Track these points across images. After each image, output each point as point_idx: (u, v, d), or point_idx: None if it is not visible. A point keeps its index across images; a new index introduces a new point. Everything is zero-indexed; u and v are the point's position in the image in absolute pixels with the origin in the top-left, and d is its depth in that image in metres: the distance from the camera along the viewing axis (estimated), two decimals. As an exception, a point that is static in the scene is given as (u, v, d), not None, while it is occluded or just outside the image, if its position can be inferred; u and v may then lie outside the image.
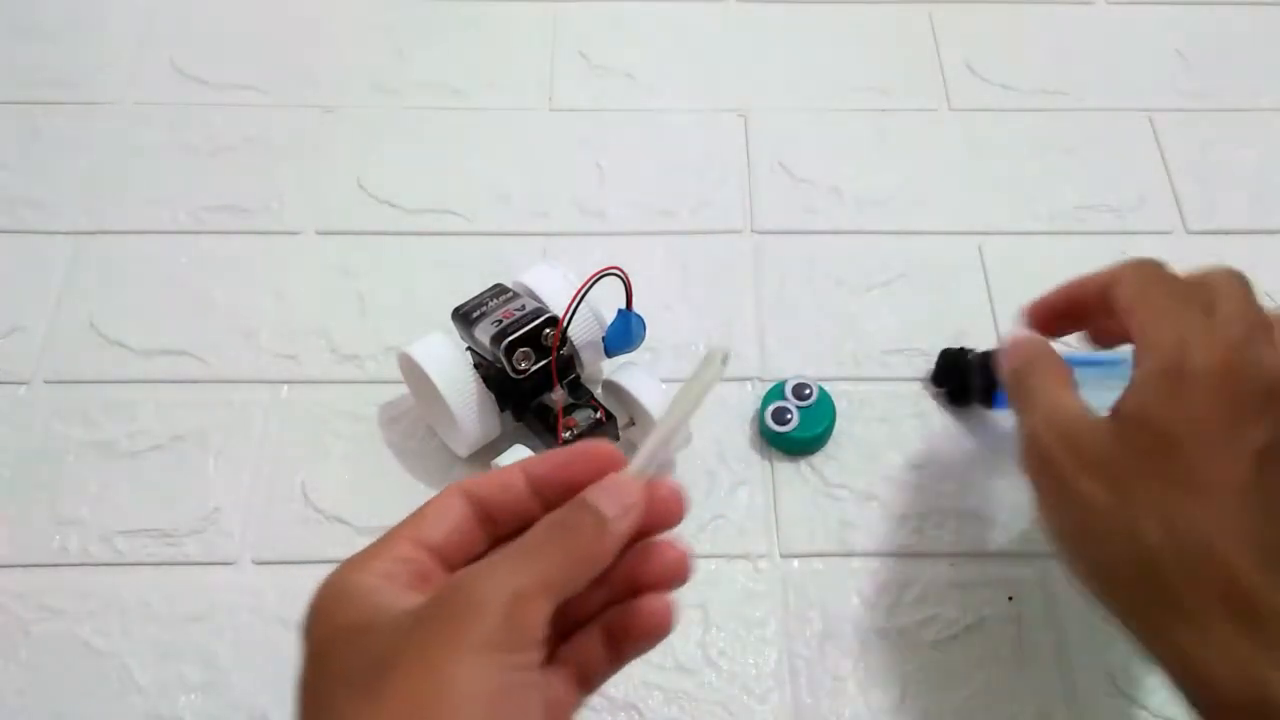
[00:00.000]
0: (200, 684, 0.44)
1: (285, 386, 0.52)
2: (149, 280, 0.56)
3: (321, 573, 0.28)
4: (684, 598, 0.46)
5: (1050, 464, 0.35)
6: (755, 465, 0.50)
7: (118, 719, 0.43)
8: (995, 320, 0.55)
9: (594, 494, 0.29)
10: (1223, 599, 0.30)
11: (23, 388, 0.52)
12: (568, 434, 0.45)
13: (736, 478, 0.50)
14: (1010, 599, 0.47)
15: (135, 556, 0.47)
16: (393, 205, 0.59)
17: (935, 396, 0.52)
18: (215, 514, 0.49)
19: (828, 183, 0.60)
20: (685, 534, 0.48)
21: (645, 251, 0.57)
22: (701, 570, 0.47)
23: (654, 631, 0.31)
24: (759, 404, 0.51)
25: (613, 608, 0.31)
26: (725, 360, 0.31)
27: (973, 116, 0.64)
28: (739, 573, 0.47)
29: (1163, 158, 0.62)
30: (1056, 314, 0.42)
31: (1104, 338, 0.42)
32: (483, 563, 0.27)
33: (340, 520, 0.48)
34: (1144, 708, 0.44)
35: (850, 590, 0.47)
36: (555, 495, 0.30)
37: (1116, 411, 0.34)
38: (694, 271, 0.57)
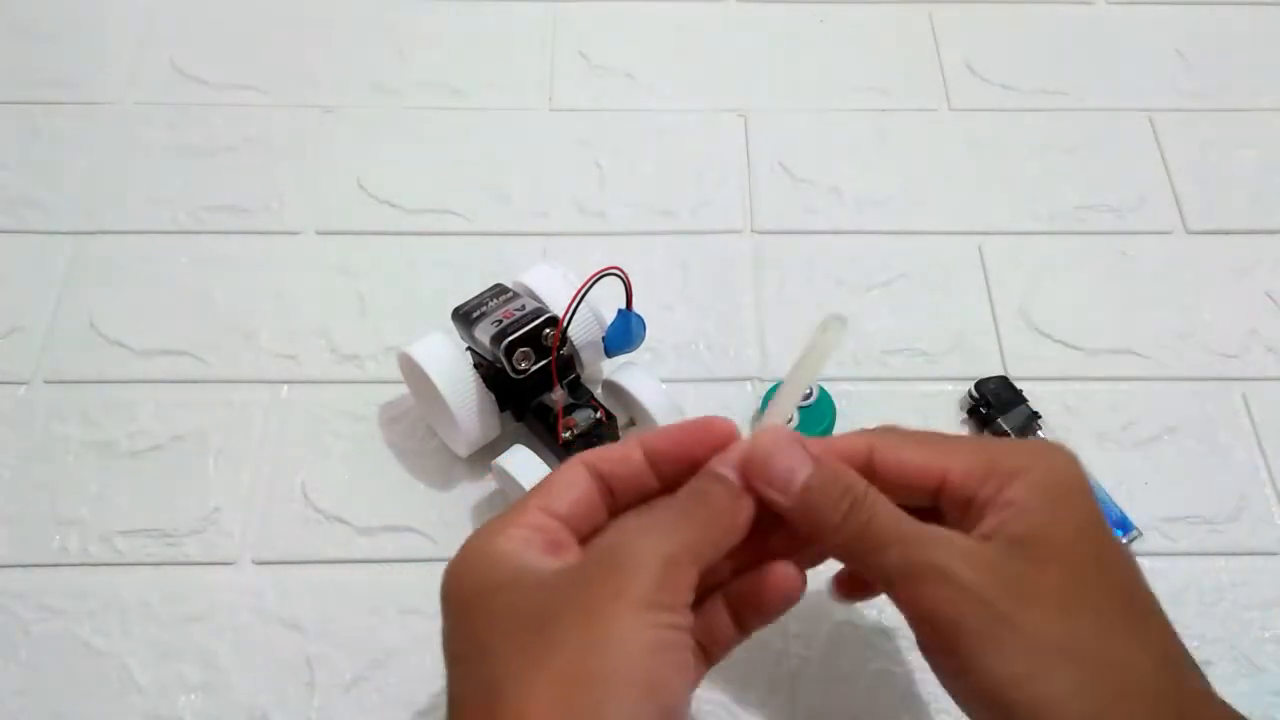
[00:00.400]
0: (200, 684, 0.44)
1: (285, 386, 0.52)
2: (149, 280, 0.56)
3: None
4: (684, 598, 0.47)
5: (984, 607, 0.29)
6: (755, 465, 0.50)
7: (118, 719, 0.43)
8: (995, 320, 0.55)
9: (723, 466, 0.31)
10: None
11: (23, 388, 0.52)
12: (567, 434, 0.45)
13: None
14: (1010, 599, 0.47)
15: (135, 556, 0.47)
16: (393, 205, 0.59)
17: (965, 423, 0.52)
18: (215, 514, 0.49)
19: (828, 183, 0.60)
20: (685, 534, 0.48)
21: (645, 251, 0.57)
22: (701, 570, 0.47)
23: (782, 600, 0.33)
24: (759, 404, 0.51)
25: (737, 579, 0.33)
26: (844, 326, 0.33)
27: (973, 116, 0.64)
28: (739, 573, 0.47)
29: (1163, 158, 0.62)
30: None
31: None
32: (632, 526, 0.29)
33: (340, 520, 0.48)
34: (1144, 708, 0.44)
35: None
36: (671, 469, 0.32)
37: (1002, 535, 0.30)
38: (694, 271, 0.57)
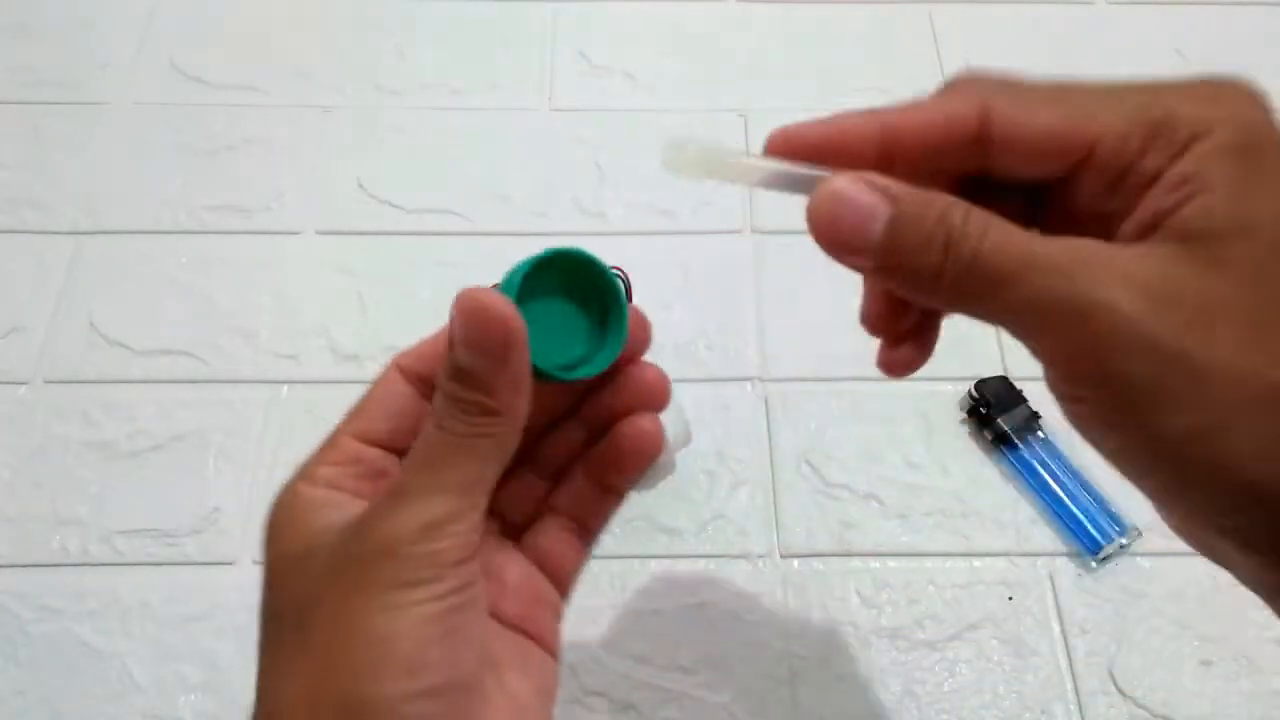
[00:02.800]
0: (200, 684, 0.44)
1: (285, 386, 0.52)
2: (149, 280, 0.56)
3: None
4: (684, 598, 0.47)
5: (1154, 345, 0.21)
6: (755, 465, 0.50)
7: (118, 719, 0.43)
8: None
9: (454, 387, 0.24)
10: None
11: (23, 388, 0.52)
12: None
13: (736, 478, 0.50)
14: (1010, 599, 0.47)
15: (135, 556, 0.47)
16: (393, 205, 0.59)
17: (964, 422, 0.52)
18: (215, 514, 0.49)
19: (828, 183, 0.60)
20: (686, 534, 0.49)
21: (645, 251, 0.57)
22: (701, 570, 0.47)
23: (640, 452, 0.28)
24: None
25: (596, 444, 0.29)
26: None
27: (973, 116, 0.64)
28: (739, 573, 0.47)
29: (1163, 158, 0.62)
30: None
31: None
32: (389, 493, 0.25)
33: (340, 520, 0.48)
34: (1144, 708, 0.44)
35: (850, 590, 0.47)
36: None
37: (1178, 231, 0.22)
38: (694, 271, 0.57)
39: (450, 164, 0.61)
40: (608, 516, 0.30)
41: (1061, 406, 0.24)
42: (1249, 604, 0.47)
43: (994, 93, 0.24)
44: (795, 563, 0.48)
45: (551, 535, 0.29)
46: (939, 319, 0.30)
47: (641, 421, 0.28)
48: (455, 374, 0.24)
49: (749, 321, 0.55)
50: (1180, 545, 0.50)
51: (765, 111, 0.64)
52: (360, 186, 0.60)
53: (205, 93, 0.64)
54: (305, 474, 0.27)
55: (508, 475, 0.29)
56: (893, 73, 0.66)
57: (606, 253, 0.57)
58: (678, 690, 0.44)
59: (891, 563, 0.48)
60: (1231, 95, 0.23)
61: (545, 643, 0.28)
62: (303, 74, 0.65)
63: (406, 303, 0.55)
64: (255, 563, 0.47)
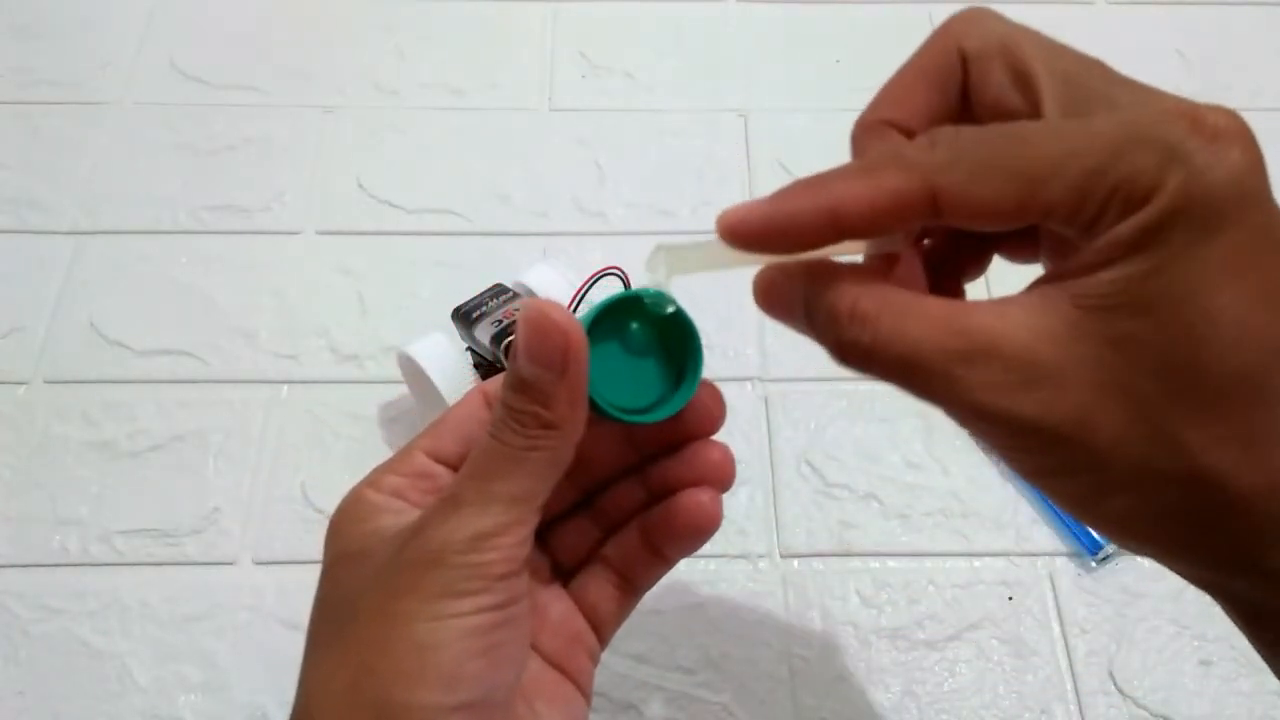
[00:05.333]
0: (200, 684, 0.44)
1: (285, 386, 0.52)
2: (149, 280, 0.56)
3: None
4: (684, 598, 0.47)
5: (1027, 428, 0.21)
6: (755, 465, 0.50)
7: (118, 719, 0.43)
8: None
9: (513, 397, 0.25)
10: None
11: (23, 388, 0.52)
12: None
13: (736, 478, 0.50)
14: (1010, 599, 0.47)
15: (135, 556, 0.47)
16: (393, 205, 0.59)
17: None
18: (215, 514, 0.49)
19: (828, 183, 0.60)
20: (685, 534, 0.48)
21: (645, 251, 0.57)
22: (701, 570, 0.47)
23: (697, 526, 0.29)
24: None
25: (654, 506, 0.29)
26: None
27: (973, 116, 0.64)
28: (739, 573, 0.47)
29: (1163, 158, 0.62)
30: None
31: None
32: (442, 502, 0.25)
33: (340, 520, 0.48)
34: (1144, 708, 0.44)
35: (850, 590, 0.47)
36: None
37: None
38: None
39: (450, 164, 0.61)
40: (655, 579, 0.30)
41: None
42: (1249, 604, 0.47)
43: (939, 169, 0.22)
44: (795, 563, 0.48)
45: (598, 583, 0.30)
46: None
47: (701, 496, 0.29)
48: (514, 384, 0.25)
49: (749, 321, 0.55)
50: (1180, 545, 0.50)
51: (765, 111, 0.64)
52: (360, 186, 0.60)
53: (205, 93, 0.64)
54: (372, 480, 0.27)
55: (565, 518, 0.30)
56: (893, 73, 0.65)
57: (606, 253, 0.58)
58: (678, 690, 0.44)
59: (891, 563, 0.48)
60: (1196, 156, 0.21)
61: (579, 682, 0.29)
62: (303, 74, 0.65)
63: (406, 303, 0.55)
64: (256, 563, 0.47)
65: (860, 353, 0.23)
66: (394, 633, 0.24)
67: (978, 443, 0.23)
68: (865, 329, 0.23)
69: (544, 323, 0.24)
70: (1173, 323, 0.20)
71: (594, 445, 0.28)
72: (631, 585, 0.30)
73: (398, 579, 0.24)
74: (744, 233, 0.25)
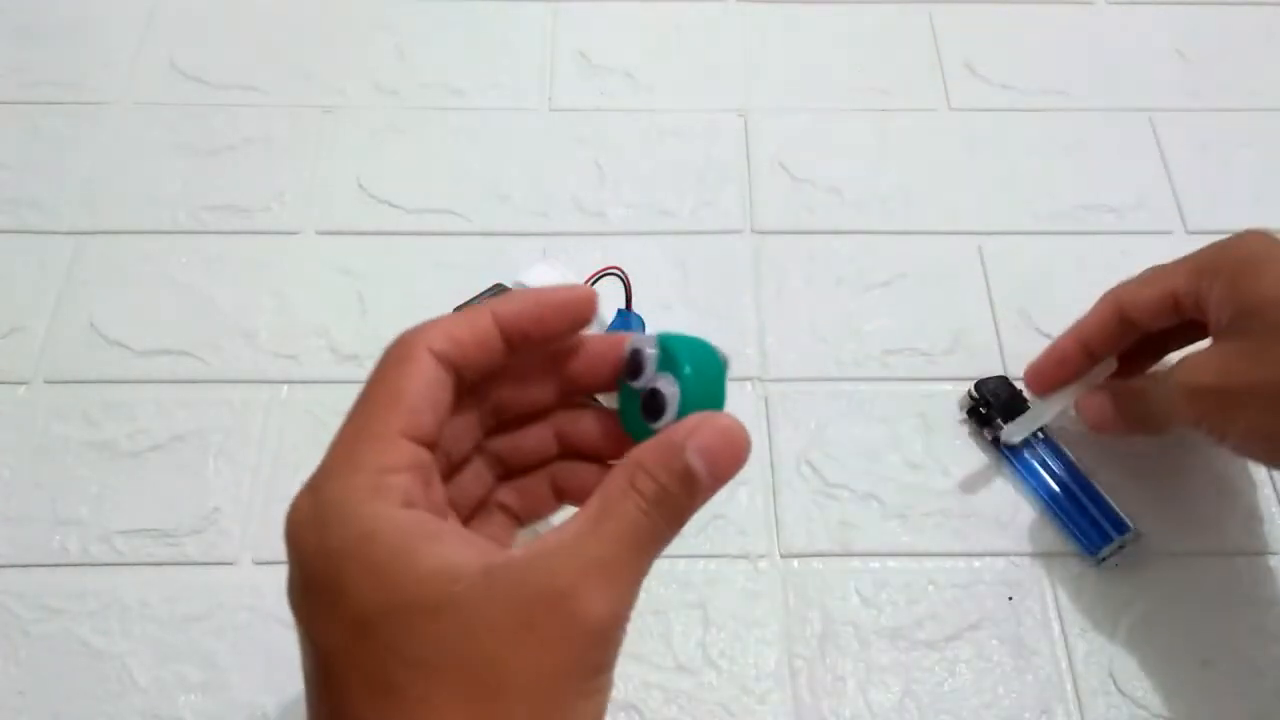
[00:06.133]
0: (200, 684, 0.44)
1: (285, 386, 0.52)
2: (149, 280, 0.56)
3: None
4: (684, 598, 0.47)
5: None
6: (755, 465, 0.50)
7: (118, 719, 0.43)
8: (995, 320, 0.55)
9: (694, 457, 0.25)
10: None
11: (23, 388, 0.52)
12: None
13: (736, 478, 0.50)
14: (1010, 599, 0.47)
15: (135, 556, 0.47)
16: (393, 205, 0.59)
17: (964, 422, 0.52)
18: (215, 514, 0.49)
19: (828, 183, 0.60)
20: (685, 534, 0.48)
21: (645, 251, 0.57)
22: (701, 570, 0.47)
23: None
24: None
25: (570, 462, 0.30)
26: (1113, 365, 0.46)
27: (973, 116, 0.64)
28: (739, 573, 0.47)
29: (1163, 158, 0.62)
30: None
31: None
32: (599, 569, 0.23)
33: (340, 520, 0.48)
34: (1144, 708, 0.44)
35: (850, 590, 0.47)
36: (523, 343, 0.27)
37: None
38: (694, 271, 0.57)
39: (450, 164, 0.61)
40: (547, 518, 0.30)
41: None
42: (1249, 604, 0.47)
43: (1120, 292, 0.45)
44: (795, 563, 0.48)
45: (494, 529, 0.29)
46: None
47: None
48: (683, 478, 0.25)
49: (749, 321, 0.55)
50: (1180, 545, 0.50)
51: (765, 111, 0.64)
52: (360, 186, 0.60)
53: (205, 93, 0.64)
54: (377, 487, 0.24)
55: (463, 463, 0.29)
56: (893, 73, 0.66)
57: (606, 253, 0.58)
58: (678, 690, 0.44)
59: (891, 563, 0.48)
60: (1238, 242, 0.41)
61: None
62: (303, 74, 0.65)
63: (406, 303, 0.55)
64: (256, 563, 0.47)
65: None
66: (561, 710, 0.23)
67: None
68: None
69: (740, 445, 0.26)
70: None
71: (521, 386, 0.28)
72: (520, 522, 0.30)
73: (558, 652, 0.23)
74: (1046, 377, 0.48)
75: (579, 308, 0.28)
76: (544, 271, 0.49)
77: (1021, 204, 0.60)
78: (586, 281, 0.45)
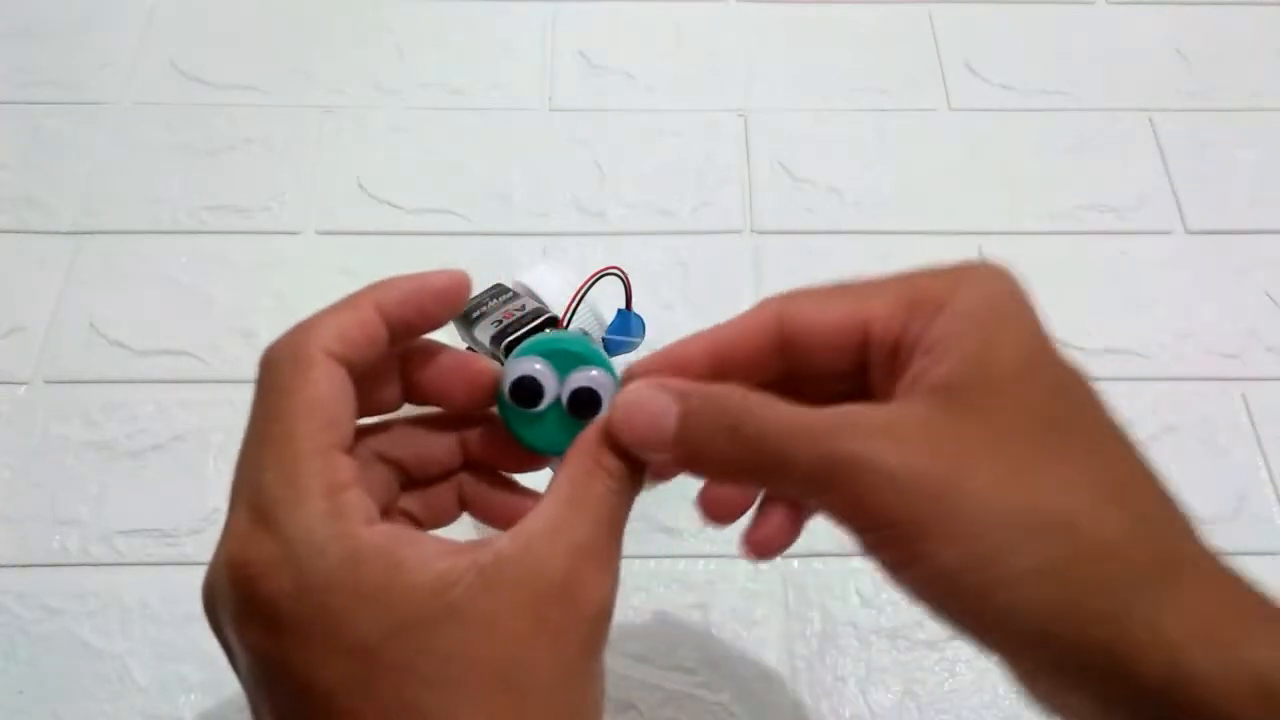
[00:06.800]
0: (200, 684, 0.44)
1: (285, 386, 0.52)
2: (149, 280, 0.56)
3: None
4: (684, 598, 0.47)
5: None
6: (755, 465, 0.50)
7: (117, 719, 0.43)
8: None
9: (597, 450, 0.26)
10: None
11: (23, 388, 0.52)
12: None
13: (736, 478, 0.50)
14: (1010, 599, 0.47)
15: (135, 556, 0.47)
16: (393, 205, 0.59)
17: None
18: (215, 514, 0.49)
19: (828, 183, 0.60)
20: (685, 534, 0.48)
21: (645, 251, 0.57)
22: (701, 570, 0.47)
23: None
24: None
25: (469, 477, 0.30)
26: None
27: (973, 116, 0.64)
28: (739, 573, 0.47)
29: (1163, 158, 0.62)
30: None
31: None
32: (584, 553, 0.24)
33: (340, 520, 0.48)
34: (1144, 708, 0.44)
35: (850, 590, 0.47)
36: (405, 337, 0.27)
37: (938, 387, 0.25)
38: (694, 271, 0.57)
39: (450, 164, 0.61)
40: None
41: (871, 560, 0.25)
42: (1249, 604, 0.47)
43: (786, 300, 0.27)
44: (795, 563, 0.48)
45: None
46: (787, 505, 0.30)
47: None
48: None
49: (749, 321, 0.55)
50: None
51: (765, 111, 0.64)
52: (360, 186, 0.60)
53: (205, 93, 0.64)
54: (337, 510, 0.23)
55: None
56: (893, 73, 0.66)
57: (607, 253, 0.57)
58: (678, 690, 0.44)
59: (891, 563, 0.48)
60: (977, 270, 0.26)
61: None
62: (303, 74, 0.65)
63: (406, 303, 0.55)
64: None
65: (751, 443, 0.25)
66: (586, 690, 0.24)
67: (857, 539, 0.24)
68: (758, 422, 0.25)
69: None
70: (1009, 390, 0.25)
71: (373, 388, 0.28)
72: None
73: (568, 638, 0.23)
74: (647, 373, 0.28)
75: (455, 292, 0.28)
76: (544, 271, 0.49)
77: (1021, 204, 0.60)
78: (586, 281, 0.45)
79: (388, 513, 0.29)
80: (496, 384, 0.28)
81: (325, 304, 0.28)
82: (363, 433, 0.28)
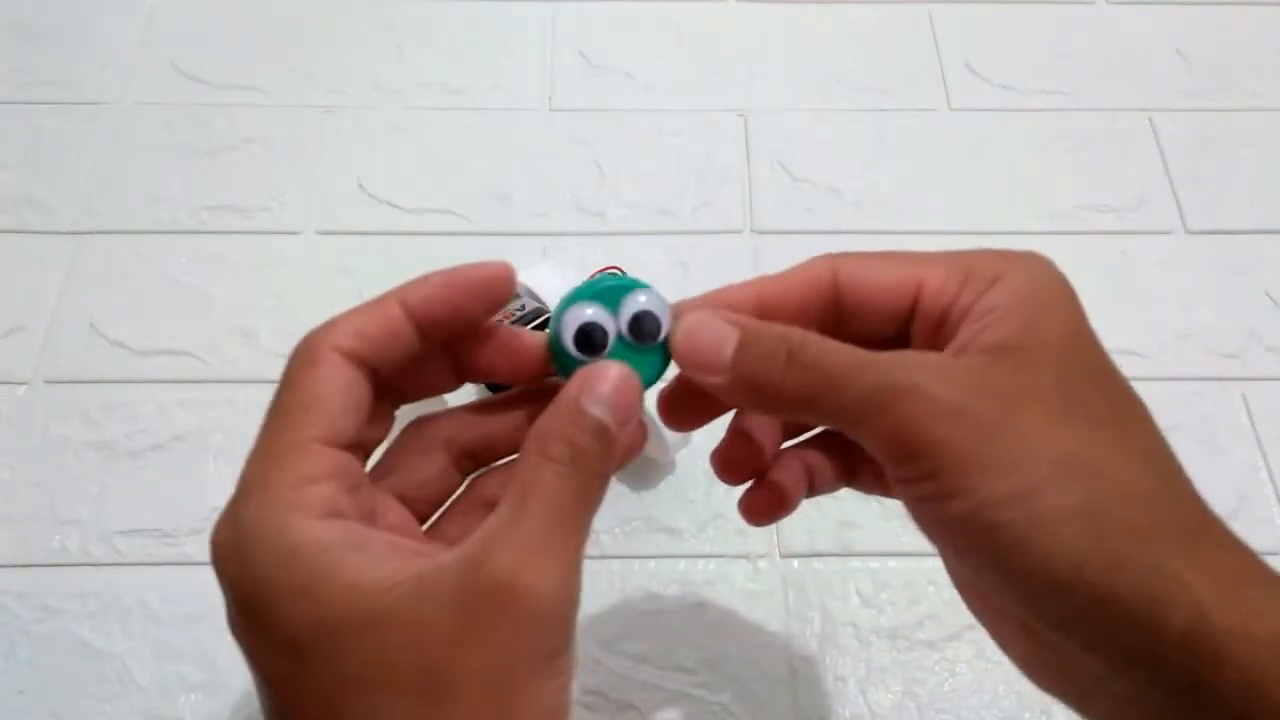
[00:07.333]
0: (200, 684, 0.44)
1: (285, 386, 0.52)
2: (149, 280, 0.56)
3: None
4: (684, 598, 0.47)
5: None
6: (755, 465, 0.50)
7: (117, 719, 0.43)
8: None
9: (593, 405, 0.25)
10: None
11: (23, 388, 0.52)
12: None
13: (736, 478, 0.50)
14: (1010, 599, 0.47)
15: (135, 556, 0.47)
16: (393, 205, 0.59)
17: None
18: (215, 514, 0.48)
19: (828, 183, 0.60)
20: (685, 534, 0.48)
21: (645, 251, 0.57)
22: (701, 570, 0.47)
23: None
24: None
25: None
26: None
27: (973, 116, 0.64)
28: (739, 573, 0.47)
29: (1163, 158, 0.62)
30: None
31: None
32: (530, 547, 0.23)
33: (340, 520, 0.48)
34: (1144, 708, 0.44)
35: (850, 590, 0.47)
36: (433, 325, 0.27)
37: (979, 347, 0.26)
38: (694, 271, 0.57)
39: (450, 164, 0.61)
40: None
41: (901, 496, 0.26)
42: (1249, 604, 0.47)
43: (842, 259, 0.29)
44: (795, 563, 0.48)
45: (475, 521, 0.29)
46: (792, 472, 0.32)
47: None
48: (599, 434, 0.25)
49: (749, 321, 0.55)
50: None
51: (765, 111, 0.64)
52: (360, 186, 0.60)
53: (205, 93, 0.64)
54: (295, 501, 0.23)
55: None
56: (893, 73, 0.66)
57: (607, 252, 0.57)
58: (678, 690, 0.44)
59: (891, 563, 0.48)
60: (1028, 256, 0.28)
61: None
62: (303, 74, 0.65)
63: (406, 303, 0.55)
64: (255, 563, 0.47)
65: (806, 367, 0.26)
66: (513, 707, 0.22)
67: (892, 470, 0.24)
68: (816, 349, 0.26)
69: (633, 384, 0.26)
70: (1060, 353, 0.27)
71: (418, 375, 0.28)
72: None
73: (499, 644, 0.22)
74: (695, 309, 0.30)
75: (495, 285, 0.28)
76: (544, 271, 0.49)
77: (1021, 204, 0.60)
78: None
79: (459, 500, 0.29)
80: (545, 354, 0.28)
81: (325, 304, 0.27)
82: (424, 421, 0.28)
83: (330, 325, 0.26)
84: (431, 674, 0.22)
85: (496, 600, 0.22)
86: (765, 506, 0.32)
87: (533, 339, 0.28)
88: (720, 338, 0.26)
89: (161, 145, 0.61)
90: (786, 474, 0.32)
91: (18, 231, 0.58)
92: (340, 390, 0.25)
